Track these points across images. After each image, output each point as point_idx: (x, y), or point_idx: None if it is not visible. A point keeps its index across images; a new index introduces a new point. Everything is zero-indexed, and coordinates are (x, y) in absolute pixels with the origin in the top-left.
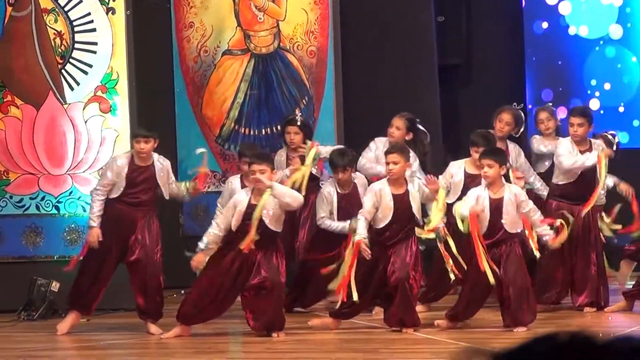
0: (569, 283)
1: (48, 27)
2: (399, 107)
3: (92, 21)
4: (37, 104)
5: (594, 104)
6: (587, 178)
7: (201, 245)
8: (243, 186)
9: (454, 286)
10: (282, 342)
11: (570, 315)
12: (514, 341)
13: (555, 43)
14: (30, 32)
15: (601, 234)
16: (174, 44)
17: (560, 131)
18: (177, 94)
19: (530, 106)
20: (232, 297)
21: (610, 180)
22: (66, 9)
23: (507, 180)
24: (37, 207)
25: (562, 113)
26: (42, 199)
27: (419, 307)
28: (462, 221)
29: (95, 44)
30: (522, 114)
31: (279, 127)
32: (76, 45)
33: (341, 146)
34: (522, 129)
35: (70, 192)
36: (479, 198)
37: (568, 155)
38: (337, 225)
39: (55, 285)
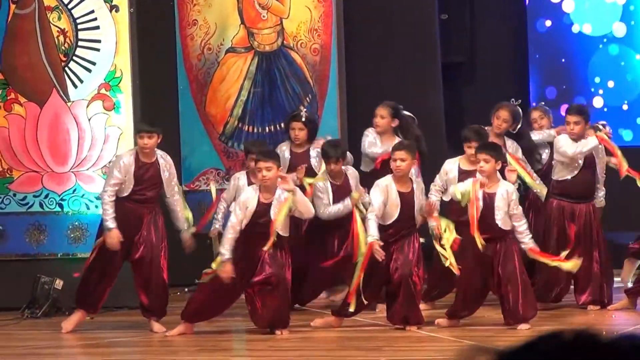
0: (570, 281)
1: (51, 25)
2: (402, 105)
3: (95, 19)
4: (41, 102)
5: (598, 102)
6: (586, 174)
7: (225, 253)
8: (250, 183)
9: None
10: (285, 340)
11: (574, 313)
12: (518, 339)
13: (558, 41)
14: (34, 29)
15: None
16: (178, 41)
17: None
18: (180, 92)
19: (534, 104)
20: (237, 295)
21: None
22: (69, 6)
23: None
24: (41, 205)
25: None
26: (46, 196)
27: (422, 306)
28: (462, 196)
29: (98, 41)
30: (520, 110)
31: (282, 125)
32: (80, 43)
33: (334, 138)
34: (519, 125)
35: (74, 190)
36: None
37: (569, 145)
38: (338, 207)
39: (58, 283)
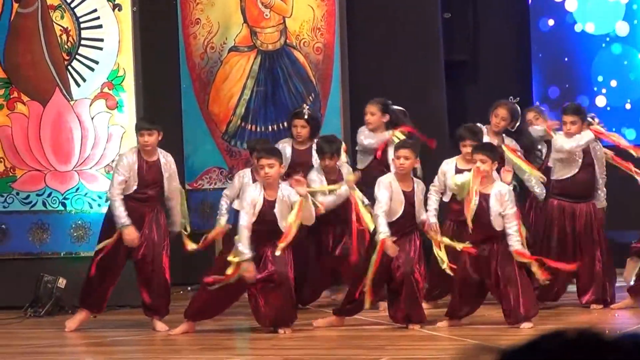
0: (567, 280)
1: (54, 24)
2: (405, 104)
3: (98, 17)
4: (44, 101)
5: (601, 101)
6: (586, 174)
7: (246, 252)
8: (254, 181)
9: None
10: (288, 339)
11: (577, 312)
12: (521, 338)
13: (561, 40)
14: (37, 28)
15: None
16: (181, 40)
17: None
18: (183, 91)
19: (537, 103)
20: (240, 292)
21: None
22: (72, 5)
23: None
24: (44, 204)
25: None
26: (49, 195)
27: (424, 305)
28: (461, 187)
29: (101, 40)
30: (519, 108)
31: (285, 124)
32: (82, 42)
33: (329, 134)
34: (518, 123)
35: (77, 189)
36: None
37: (566, 140)
38: (333, 197)
39: (61, 282)
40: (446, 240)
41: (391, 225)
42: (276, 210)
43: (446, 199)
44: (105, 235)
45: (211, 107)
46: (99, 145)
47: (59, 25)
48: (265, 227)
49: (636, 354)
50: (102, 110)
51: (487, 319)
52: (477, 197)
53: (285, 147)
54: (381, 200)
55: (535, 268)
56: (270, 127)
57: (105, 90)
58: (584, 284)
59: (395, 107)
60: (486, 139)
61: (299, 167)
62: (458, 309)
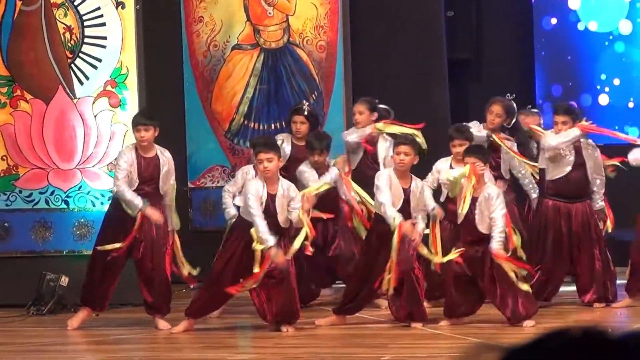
0: (560, 280)
1: (58, 22)
2: (408, 102)
3: (101, 15)
4: (47, 99)
5: (604, 100)
6: (578, 173)
7: (270, 240)
8: None
9: None
10: (291, 337)
11: (579, 311)
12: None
13: (564, 38)
14: (40, 26)
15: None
16: (184, 38)
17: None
18: (186, 89)
19: (540, 101)
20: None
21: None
22: (76, 3)
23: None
24: (47, 202)
25: None
26: (52, 193)
27: (426, 304)
28: (455, 181)
29: (104, 38)
30: (515, 105)
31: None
32: (86, 40)
33: (320, 131)
34: (514, 120)
35: (80, 187)
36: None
37: (553, 137)
38: (324, 182)
39: (64, 280)
40: (425, 251)
41: (384, 219)
42: (277, 205)
43: (441, 199)
44: (105, 234)
45: (214, 105)
46: (101, 143)
47: (62, 23)
48: (266, 221)
49: None
50: (105, 108)
51: (489, 317)
52: (468, 201)
53: (284, 142)
54: (384, 189)
55: (508, 267)
56: (273, 125)
57: (108, 88)
58: (585, 283)
59: (381, 105)
60: (482, 134)
61: (297, 162)
62: (454, 305)
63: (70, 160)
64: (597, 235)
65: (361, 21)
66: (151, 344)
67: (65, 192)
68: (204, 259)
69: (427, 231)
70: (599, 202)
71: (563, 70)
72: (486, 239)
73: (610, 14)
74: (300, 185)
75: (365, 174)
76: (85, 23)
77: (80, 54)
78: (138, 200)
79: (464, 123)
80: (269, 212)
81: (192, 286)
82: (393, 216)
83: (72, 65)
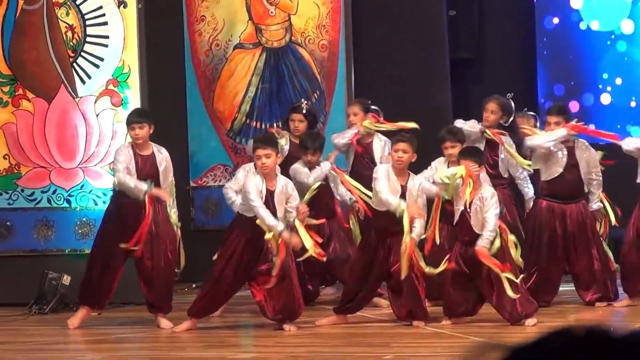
0: (559, 281)
1: (59, 21)
2: (410, 102)
3: (103, 14)
4: (49, 98)
5: (606, 99)
6: (571, 174)
7: (279, 225)
8: None
9: None
10: (293, 336)
11: (580, 310)
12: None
13: (566, 38)
14: (42, 25)
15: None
16: (186, 37)
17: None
18: (188, 88)
19: (542, 100)
20: (240, 284)
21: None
22: (77, 2)
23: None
24: (49, 201)
25: (574, 108)
26: (54, 192)
27: (427, 304)
28: (449, 179)
29: (106, 37)
30: (512, 103)
31: None
32: (88, 39)
33: (314, 130)
34: (511, 118)
35: (82, 186)
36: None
37: (539, 136)
38: (315, 175)
39: (66, 279)
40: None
41: (383, 214)
42: (275, 201)
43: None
44: (105, 231)
45: (216, 104)
46: (103, 142)
47: (64, 22)
48: None
49: None
50: (107, 107)
51: (491, 316)
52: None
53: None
54: (382, 180)
55: (487, 262)
56: (275, 124)
57: (110, 87)
58: (585, 284)
59: (372, 107)
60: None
61: (295, 160)
62: (454, 305)
63: (72, 159)
64: (593, 235)
65: (363, 20)
66: (153, 343)
67: (67, 191)
68: (205, 258)
69: (423, 236)
70: (596, 203)
71: (565, 70)
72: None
73: (612, 13)
74: (295, 182)
75: (361, 174)
76: (87, 22)
77: (82, 53)
78: (142, 184)
79: (461, 120)
80: (268, 207)
81: (194, 285)
82: (396, 202)
83: (74, 64)
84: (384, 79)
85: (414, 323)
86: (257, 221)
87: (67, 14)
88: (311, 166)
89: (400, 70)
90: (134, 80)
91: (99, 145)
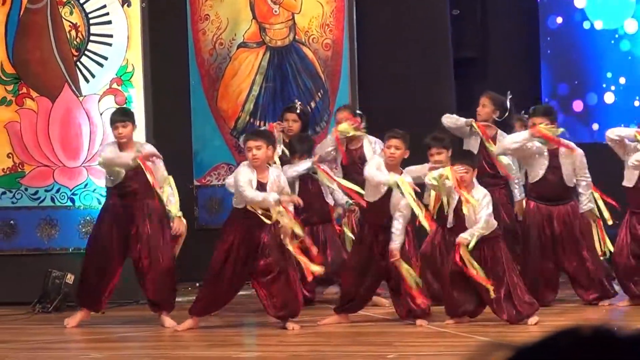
0: (556, 282)
1: (63, 20)
2: (413, 101)
3: (107, 13)
4: (53, 96)
5: (609, 98)
6: (555, 176)
7: (273, 195)
8: None
9: None
10: (296, 335)
11: (582, 310)
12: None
13: (570, 37)
14: (46, 24)
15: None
16: (189, 36)
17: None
18: (192, 87)
19: (546, 99)
20: (241, 283)
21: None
22: (81, 1)
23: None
24: (52, 200)
25: (578, 107)
26: (57, 191)
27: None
28: (436, 180)
29: (110, 36)
30: (507, 100)
31: None
32: (91, 38)
33: (303, 133)
34: (506, 114)
35: (86, 185)
36: None
37: (505, 139)
38: (297, 168)
39: (70, 278)
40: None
41: (374, 206)
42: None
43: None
44: (100, 228)
45: (220, 103)
46: (107, 141)
47: (68, 21)
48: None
49: None
50: (111, 106)
51: (495, 315)
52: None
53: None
54: (372, 167)
55: (464, 255)
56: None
57: (114, 86)
58: (583, 285)
59: (358, 111)
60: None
61: (287, 160)
62: (455, 305)
63: (76, 158)
64: (583, 236)
65: (367, 19)
66: (156, 341)
67: (71, 190)
68: (209, 257)
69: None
70: (586, 204)
71: (569, 69)
72: (485, 241)
73: (615, 12)
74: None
75: (355, 181)
76: (91, 21)
77: (86, 52)
78: (128, 156)
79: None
80: None
81: (197, 284)
82: (386, 177)
83: (78, 63)
84: (388, 78)
85: (417, 322)
86: (248, 206)
87: (71, 13)
88: None
89: (404, 70)
90: (138, 79)
91: (103, 144)
